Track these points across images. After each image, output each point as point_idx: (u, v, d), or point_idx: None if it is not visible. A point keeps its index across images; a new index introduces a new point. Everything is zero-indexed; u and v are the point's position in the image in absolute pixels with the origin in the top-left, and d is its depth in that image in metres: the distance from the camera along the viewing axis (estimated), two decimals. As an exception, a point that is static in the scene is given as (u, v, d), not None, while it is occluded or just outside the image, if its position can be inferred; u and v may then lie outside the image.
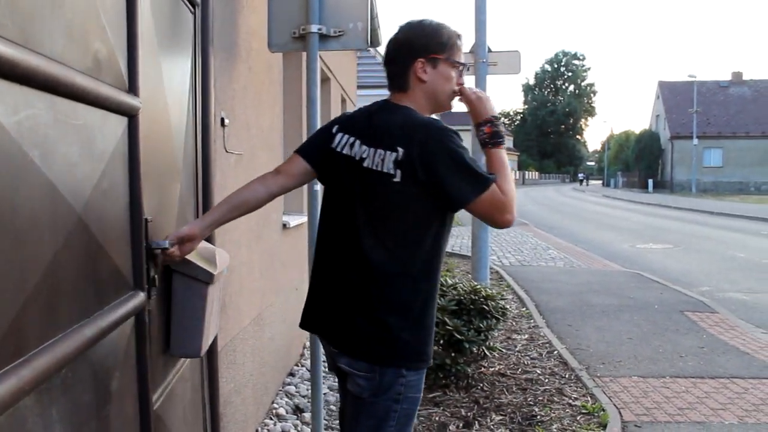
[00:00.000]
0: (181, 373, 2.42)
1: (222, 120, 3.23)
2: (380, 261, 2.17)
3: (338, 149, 2.27)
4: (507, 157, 2.22)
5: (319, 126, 3.76)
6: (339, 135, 2.29)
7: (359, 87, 13.66)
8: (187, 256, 2.23)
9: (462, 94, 2.30)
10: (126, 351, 1.84)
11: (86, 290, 1.57)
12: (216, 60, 3.04)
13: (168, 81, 2.32)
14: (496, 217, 2.11)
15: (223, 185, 3.26)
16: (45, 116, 1.37)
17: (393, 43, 2.31)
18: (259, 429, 3.98)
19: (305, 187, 3.75)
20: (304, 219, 4.61)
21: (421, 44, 2.24)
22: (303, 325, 2.44)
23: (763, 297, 8.63)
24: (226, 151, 3.35)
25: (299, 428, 4.08)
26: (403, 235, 2.17)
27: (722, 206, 28.97)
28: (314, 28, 3.53)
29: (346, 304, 2.20)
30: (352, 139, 2.26)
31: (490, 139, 2.23)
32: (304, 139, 2.99)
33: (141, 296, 1.92)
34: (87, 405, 1.56)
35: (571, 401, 4.52)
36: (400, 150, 2.12)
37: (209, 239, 2.80)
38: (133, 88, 1.89)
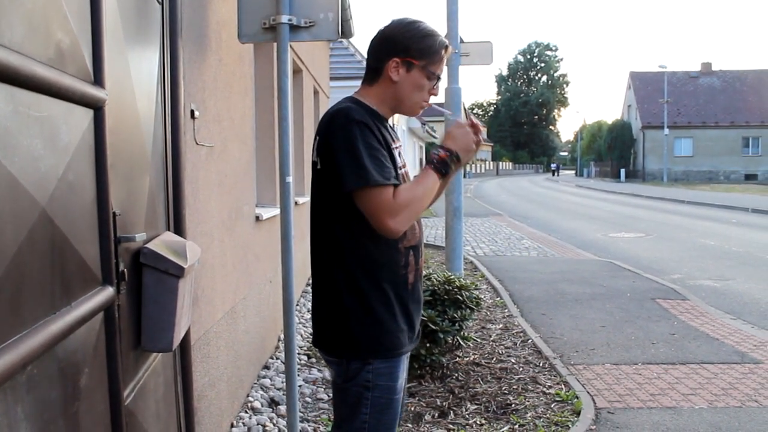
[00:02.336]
0: (153, 367, 2.39)
1: (192, 112, 3.20)
2: (317, 253, 2.25)
3: None
4: (436, 183, 2.18)
5: (290, 117, 3.75)
6: None
7: (332, 78, 13.61)
8: (158, 250, 2.20)
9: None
10: (95, 346, 1.82)
11: (52, 286, 1.54)
12: (185, 51, 3.00)
13: (135, 72, 2.28)
14: (376, 217, 2.07)
15: (195, 178, 3.23)
16: (4, 108, 1.34)
17: (378, 35, 2.28)
18: (234, 422, 3.96)
19: (277, 177, 3.72)
20: (278, 211, 4.59)
21: (402, 44, 2.20)
22: None
23: (732, 284, 8.77)
24: (197, 144, 3.32)
25: (275, 421, 4.07)
26: (330, 225, 2.19)
27: (692, 195, 29.37)
28: (284, 18, 3.50)
29: (313, 298, 2.30)
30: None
31: (435, 162, 2.18)
32: (276, 130, 2.97)
33: (110, 291, 1.89)
34: (55, 402, 1.53)
35: (545, 389, 4.56)
36: (318, 138, 2.19)
37: (179, 232, 2.78)
38: (98, 80, 1.86)
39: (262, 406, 4.28)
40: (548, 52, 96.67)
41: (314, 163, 2.22)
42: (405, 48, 2.20)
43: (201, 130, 3.37)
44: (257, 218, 4.79)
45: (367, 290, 2.16)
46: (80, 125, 1.76)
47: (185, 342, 2.83)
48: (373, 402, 2.18)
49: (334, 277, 2.18)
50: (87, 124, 1.80)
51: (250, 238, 4.58)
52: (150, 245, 2.23)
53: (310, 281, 2.32)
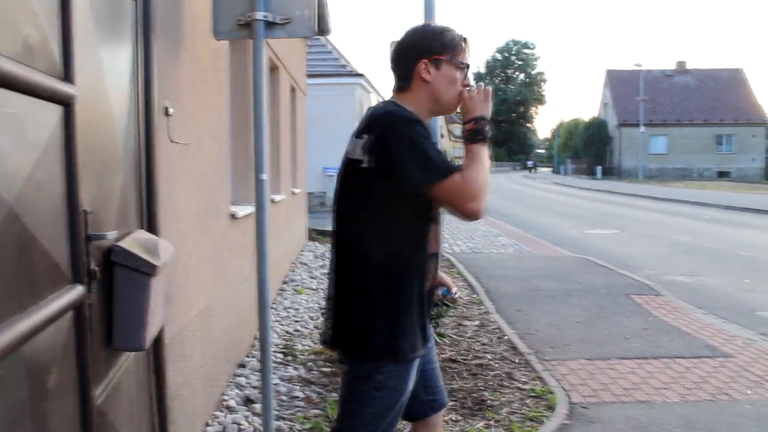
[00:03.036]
0: (126, 367, 2.37)
1: (166, 109, 3.17)
2: (347, 253, 2.26)
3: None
4: (485, 153, 2.22)
5: (265, 115, 3.74)
6: None
7: (310, 76, 13.57)
8: (129, 248, 2.19)
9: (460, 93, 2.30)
10: (65, 345, 1.80)
11: (19, 284, 1.53)
12: (159, 47, 2.98)
13: (107, 69, 2.26)
14: (458, 205, 2.12)
15: (169, 176, 3.20)
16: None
17: (398, 46, 2.35)
18: (209, 422, 3.94)
19: (252, 175, 3.71)
20: (253, 209, 4.57)
21: (424, 46, 2.28)
22: None
23: (704, 279, 8.89)
24: (171, 141, 3.30)
25: (250, 420, 4.06)
26: (366, 226, 2.22)
27: (667, 192, 29.73)
28: (260, 15, 3.48)
29: (336, 296, 2.30)
30: (351, 140, 2.32)
31: (469, 136, 2.24)
32: (252, 127, 2.98)
33: (80, 289, 1.88)
34: (22, 402, 1.52)
35: (520, 385, 4.59)
36: (366, 136, 2.20)
37: (152, 230, 2.76)
38: (68, 76, 1.84)
39: (237, 404, 4.26)
40: (526, 50, 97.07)
41: (355, 161, 2.22)
42: (428, 48, 2.28)
43: (175, 128, 3.35)
44: (232, 216, 4.77)
45: (397, 294, 2.19)
46: (50, 122, 1.74)
47: (159, 341, 2.81)
48: (381, 402, 2.21)
49: (365, 279, 2.20)
50: (57, 120, 1.78)
51: (225, 236, 4.56)
52: (122, 243, 2.21)
53: (331, 277, 2.32)
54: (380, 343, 2.17)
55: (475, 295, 7.57)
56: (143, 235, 2.51)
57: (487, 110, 2.28)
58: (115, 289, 2.20)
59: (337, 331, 2.27)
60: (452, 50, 2.28)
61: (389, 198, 2.17)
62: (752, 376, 4.78)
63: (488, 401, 4.27)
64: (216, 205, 4.30)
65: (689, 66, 56.81)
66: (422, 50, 2.27)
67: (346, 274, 2.25)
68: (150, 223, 2.77)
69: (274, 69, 7.49)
